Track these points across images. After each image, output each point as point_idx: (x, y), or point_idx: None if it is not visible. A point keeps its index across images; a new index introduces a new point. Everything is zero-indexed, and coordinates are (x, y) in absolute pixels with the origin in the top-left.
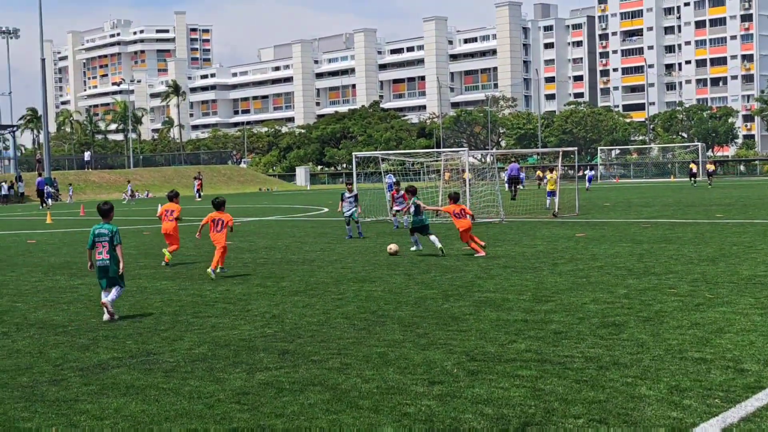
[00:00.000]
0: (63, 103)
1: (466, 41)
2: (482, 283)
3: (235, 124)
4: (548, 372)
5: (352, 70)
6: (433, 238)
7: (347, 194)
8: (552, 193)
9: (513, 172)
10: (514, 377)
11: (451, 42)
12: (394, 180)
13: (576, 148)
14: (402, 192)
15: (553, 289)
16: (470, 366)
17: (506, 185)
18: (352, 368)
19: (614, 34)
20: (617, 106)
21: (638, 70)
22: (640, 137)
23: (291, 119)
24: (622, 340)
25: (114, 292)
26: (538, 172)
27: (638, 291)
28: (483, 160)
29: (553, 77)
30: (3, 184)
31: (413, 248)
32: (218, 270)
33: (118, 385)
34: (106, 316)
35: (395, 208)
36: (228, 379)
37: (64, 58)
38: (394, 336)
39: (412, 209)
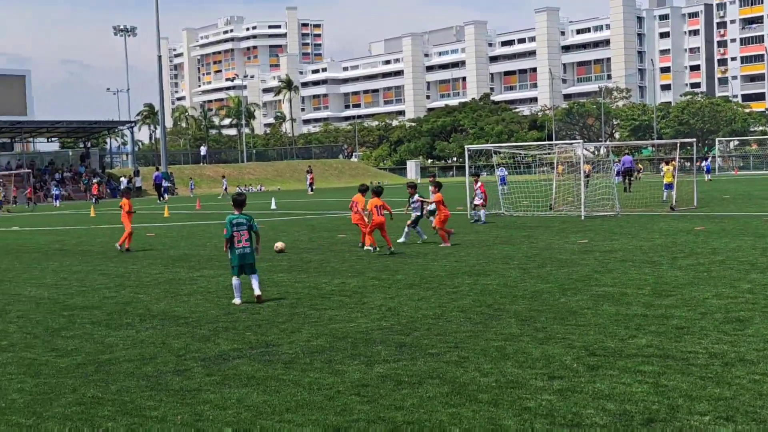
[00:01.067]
0: (178, 98)
1: (578, 32)
2: (599, 277)
3: (346, 118)
4: (671, 368)
5: (463, 63)
6: (419, 228)
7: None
8: (669, 186)
9: (627, 164)
10: (635, 373)
11: (563, 33)
12: (506, 173)
13: (694, 140)
14: (480, 184)
15: (673, 283)
16: (590, 361)
17: (618, 178)
18: (470, 362)
19: (733, 22)
20: (736, 96)
21: (758, 58)
22: (760, 128)
23: (401, 113)
24: (747, 336)
25: (256, 282)
26: (639, 165)
27: (762, 286)
28: (596, 152)
29: (669, 67)
30: (122, 178)
31: (402, 239)
32: (389, 250)
33: (239, 375)
34: (257, 292)
35: (475, 201)
36: (347, 371)
37: (180, 54)
38: (511, 330)
39: (419, 206)
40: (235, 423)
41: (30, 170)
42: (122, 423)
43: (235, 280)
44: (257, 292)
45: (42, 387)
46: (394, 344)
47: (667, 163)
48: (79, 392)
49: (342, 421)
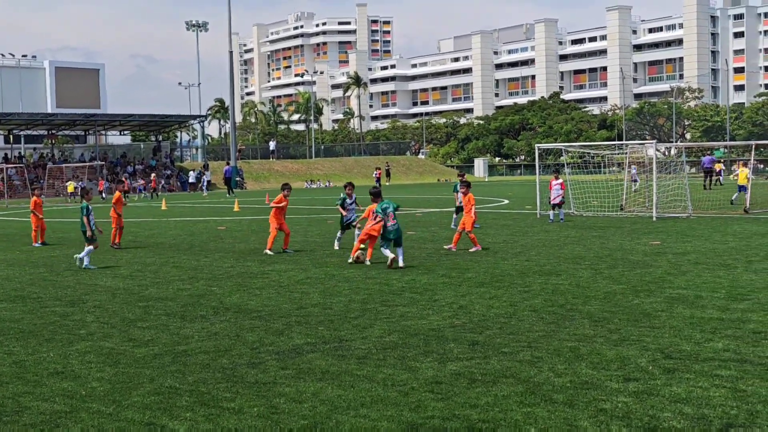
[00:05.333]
0: (248, 93)
1: (650, 31)
2: (673, 279)
3: (414, 115)
4: (749, 373)
5: (532, 61)
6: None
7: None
8: (743, 188)
9: (706, 164)
10: (713, 377)
11: (635, 32)
12: (635, 171)
13: None
14: (560, 181)
15: (749, 287)
16: (666, 364)
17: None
18: (544, 362)
19: None
20: None
21: None
22: None
23: (469, 110)
24: None
25: (401, 254)
26: (720, 166)
27: None
28: (666, 153)
29: (743, 68)
30: (191, 172)
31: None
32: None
33: (313, 370)
34: (401, 264)
35: (555, 200)
36: (420, 368)
37: (250, 50)
38: (585, 331)
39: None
40: (311, 417)
41: (103, 162)
42: (200, 414)
43: (384, 251)
44: (401, 262)
45: (120, 376)
46: (466, 342)
47: (745, 165)
48: (157, 382)
49: (417, 418)
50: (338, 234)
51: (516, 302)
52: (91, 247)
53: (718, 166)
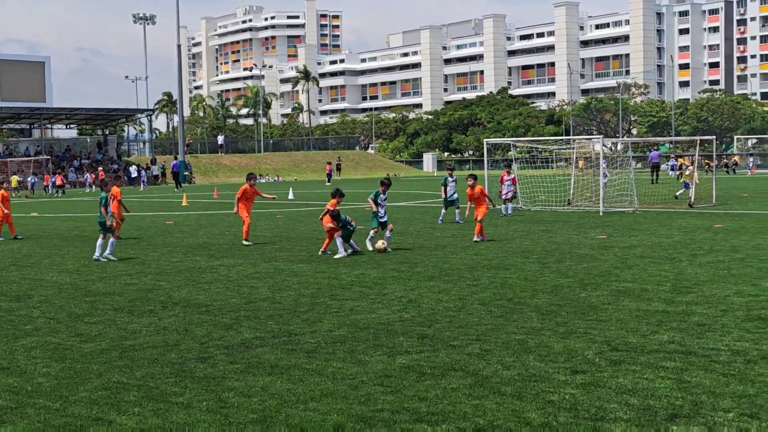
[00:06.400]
0: (196, 87)
1: (597, 27)
2: (619, 273)
3: (363, 110)
4: (693, 364)
5: (481, 56)
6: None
7: (450, 179)
8: (687, 185)
9: (654, 159)
10: (658, 368)
11: (582, 28)
12: (606, 165)
13: (714, 137)
14: (512, 176)
15: (694, 280)
16: (612, 356)
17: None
18: (492, 354)
19: (753, 19)
20: (754, 94)
21: None
22: None
23: (419, 105)
24: None
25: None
26: (682, 161)
27: None
28: (613, 148)
29: (688, 64)
30: (131, 167)
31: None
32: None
33: (262, 364)
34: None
35: (507, 195)
36: (369, 361)
37: (198, 44)
38: (533, 324)
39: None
40: (261, 411)
41: (49, 157)
42: (148, 408)
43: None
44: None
45: (67, 371)
46: (415, 336)
47: (692, 163)
48: (105, 377)
49: (366, 411)
50: (370, 233)
51: (465, 296)
52: (113, 239)
53: (680, 161)
